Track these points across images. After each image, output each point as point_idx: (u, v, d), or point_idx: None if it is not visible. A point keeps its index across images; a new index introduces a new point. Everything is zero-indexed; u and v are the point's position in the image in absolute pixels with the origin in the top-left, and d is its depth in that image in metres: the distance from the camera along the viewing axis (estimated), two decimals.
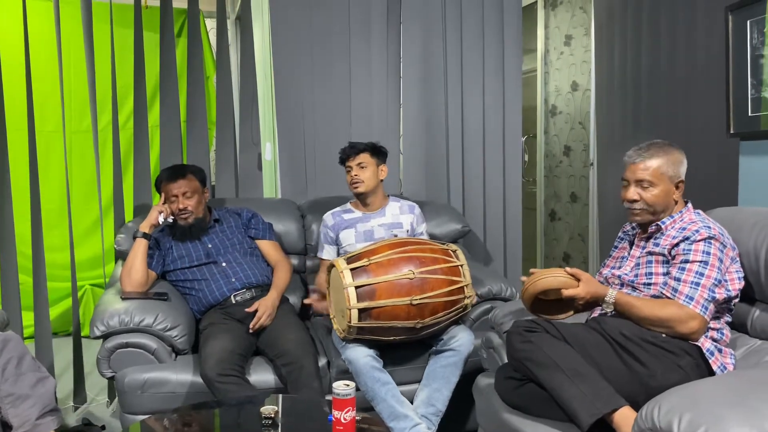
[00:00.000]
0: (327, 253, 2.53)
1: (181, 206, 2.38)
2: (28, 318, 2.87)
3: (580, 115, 4.08)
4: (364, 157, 2.47)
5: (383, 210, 2.55)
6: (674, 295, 1.67)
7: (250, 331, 2.21)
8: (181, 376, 2.10)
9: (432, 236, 2.73)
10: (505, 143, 3.29)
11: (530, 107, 4.46)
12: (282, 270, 2.47)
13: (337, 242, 2.52)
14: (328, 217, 2.56)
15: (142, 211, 2.85)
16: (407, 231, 2.53)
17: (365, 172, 2.47)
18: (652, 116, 2.95)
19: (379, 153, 2.51)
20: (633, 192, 1.78)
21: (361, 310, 2.03)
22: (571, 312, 1.82)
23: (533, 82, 4.49)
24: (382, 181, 2.54)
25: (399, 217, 2.55)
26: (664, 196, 1.76)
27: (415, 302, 2.04)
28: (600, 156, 3.50)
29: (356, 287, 2.03)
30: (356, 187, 2.48)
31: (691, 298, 1.64)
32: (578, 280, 1.74)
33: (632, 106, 3.10)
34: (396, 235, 2.48)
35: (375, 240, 2.42)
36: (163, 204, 2.40)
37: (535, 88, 4.49)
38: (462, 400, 2.19)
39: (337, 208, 2.59)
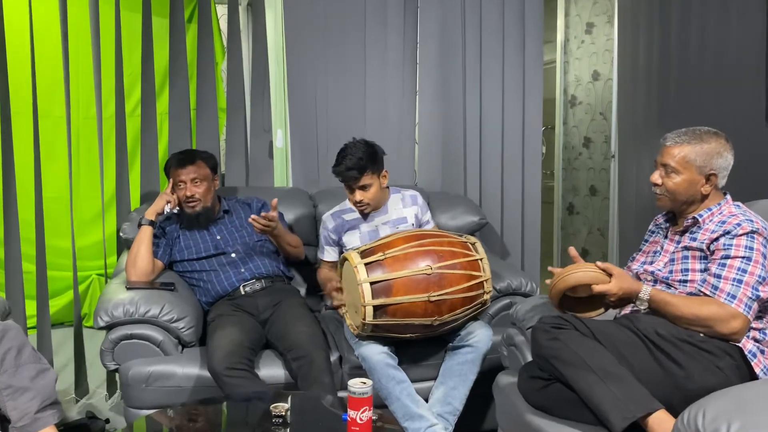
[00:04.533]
0: (328, 254, 2.39)
1: (188, 193, 2.29)
2: (34, 308, 2.80)
3: (601, 106, 3.96)
4: (367, 178, 2.20)
5: (385, 207, 2.37)
6: (714, 293, 1.56)
7: (250, 221, 2.19)
8: (188, 369, 2.02)
9: (447, 228, 2.62)
10: (525, 134, 3.18)
11: (549, 98, 4.34)
12: (296, 238, 2.48)
13: (339, 244, 2.37)
14: (328, 219, 2.39)
15: (148, 199, 2.78)
16: (413, 224, 2.37)
17: (370, 192, 2.24)
18: (680, 105, 2.83)
19: (378, 161, 2.23)
20: (656, 175, 1.72)
21: (376, 307, 1.92)
22: (602, 310, 1.72)
23: (552, 72, 4.37)
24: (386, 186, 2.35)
25: (402, 211, 2.38)
26: (687, 186, 1.66)
27: (432, 299, 1.94)
28: (622, 148, 3.38)
29: (371, 283, 1.92)
30: (363, 210, 2.32)
31: (734, 297, 1.53)
32: (610, 275, 1.63)
33: (658, 94, 2.98)
34: None
35: None
36: (171, 191, 2.31)
37: (554, 78, 4.37)
38: (479, 398, 2.11)
39: (336, 208, 2.42)
